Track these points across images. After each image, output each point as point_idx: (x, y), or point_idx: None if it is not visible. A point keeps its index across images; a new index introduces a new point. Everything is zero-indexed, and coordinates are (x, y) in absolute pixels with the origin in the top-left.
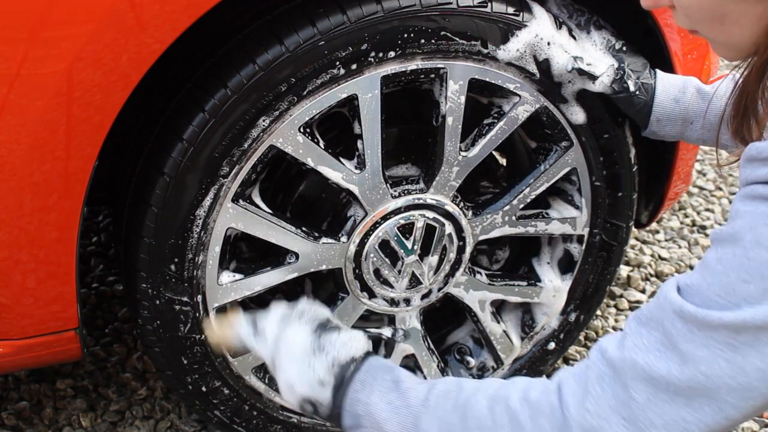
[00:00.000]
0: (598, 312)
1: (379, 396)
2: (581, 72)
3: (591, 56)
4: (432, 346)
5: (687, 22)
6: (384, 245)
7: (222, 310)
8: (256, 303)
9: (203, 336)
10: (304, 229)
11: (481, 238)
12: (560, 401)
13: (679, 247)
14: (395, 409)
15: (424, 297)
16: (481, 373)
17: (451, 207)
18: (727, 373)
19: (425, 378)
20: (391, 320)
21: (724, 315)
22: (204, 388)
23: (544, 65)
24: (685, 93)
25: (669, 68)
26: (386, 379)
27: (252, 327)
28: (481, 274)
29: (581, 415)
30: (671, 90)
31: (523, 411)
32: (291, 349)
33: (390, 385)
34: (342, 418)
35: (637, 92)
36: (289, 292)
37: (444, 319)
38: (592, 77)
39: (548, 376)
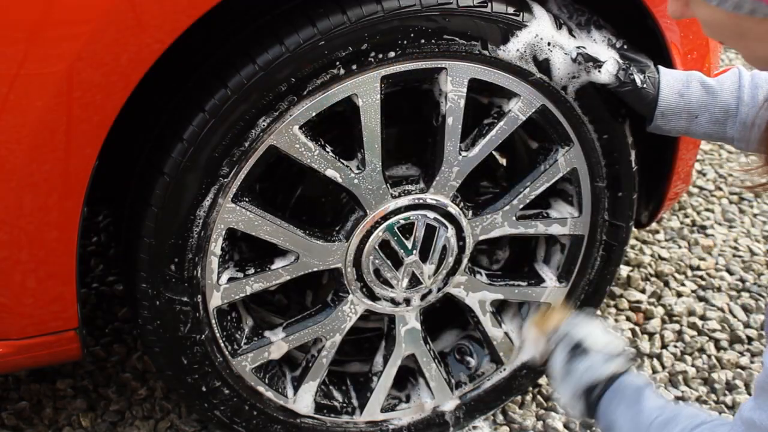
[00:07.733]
0: (598, 312)
1: (621, 413)
2: (587, 58)
3: (593, 49)
4: (432, 346)
5: (711, 34)
6: (384, 245)
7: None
8: (256, 302)
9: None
10: (304, 229)
11: (482, 238)
12: None
13: (679, 247)
14: (634, 425)
15: (423, 297)
16: (483, 372)
17: (451, 207)
18: None
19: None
20: (390, 320)
21: None
22: (204, 388)
23: (544, 65)
24: (689, 87)
25: (669, 68)
26: (629, 396)
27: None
28: (481, 274)
29: None
30: (675, 84)
31: None
32: (553, 370)
33: (631, 402)
34: (598, 423)
35: (645, 86)
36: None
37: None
38: (597, 63)
39: None
